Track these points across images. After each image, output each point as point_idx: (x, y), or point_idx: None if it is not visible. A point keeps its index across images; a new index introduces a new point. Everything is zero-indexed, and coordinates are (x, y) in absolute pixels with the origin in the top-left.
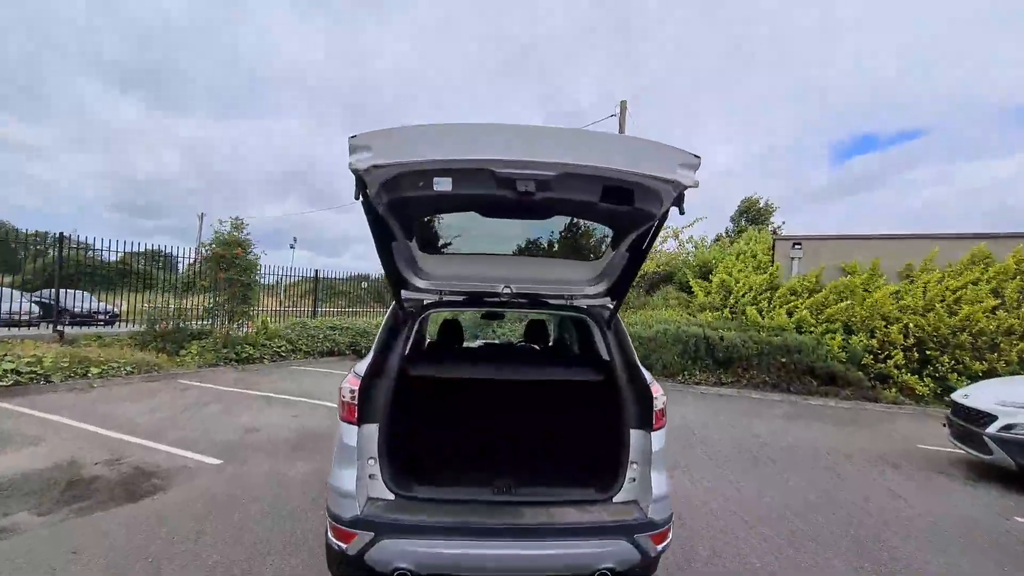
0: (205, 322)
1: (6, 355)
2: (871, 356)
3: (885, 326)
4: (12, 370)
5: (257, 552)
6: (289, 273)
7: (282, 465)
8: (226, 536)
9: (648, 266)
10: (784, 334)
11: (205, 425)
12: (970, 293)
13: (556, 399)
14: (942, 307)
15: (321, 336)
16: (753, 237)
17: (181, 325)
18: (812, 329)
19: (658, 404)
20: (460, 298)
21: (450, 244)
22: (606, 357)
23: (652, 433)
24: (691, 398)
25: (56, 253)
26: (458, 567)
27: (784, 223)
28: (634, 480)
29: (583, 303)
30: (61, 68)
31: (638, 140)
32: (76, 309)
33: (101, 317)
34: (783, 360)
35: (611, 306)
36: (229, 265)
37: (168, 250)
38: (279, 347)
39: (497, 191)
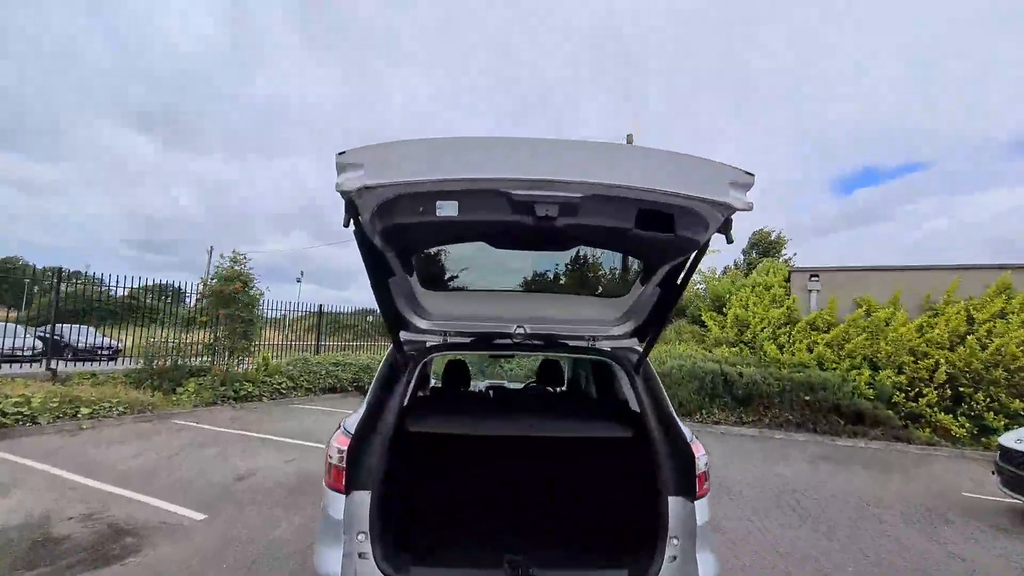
0: (204, 359)
1: None
2: (901, 394)
3: (914, 362)
4: None
5: None
6: (295, 307)
7: (272, 520)
8: None
9: None
10: (807, 371)
11: (194, 472)
12: (1000, 326)
13: (579, 458)
14: (973, 340)
15: (323, 372)
16: (769, 269)
17: (179, 362)
18: (835, 365)
19: (700, 466)
20: (467, 340)
21: (455, 279)
22: (635, 407)
23: (695, 502)
24: (711, 439)
25: (54, 288)
26: None
27: (796, 255)
28: (675, 559)
29: (606, 345)
30: (81, 109)
31: (681, 156)
32: (79, 344)
33: (103, 352)
34: (807, 398)
35: (639, 349)
36: (229, 301)
37: (176, 284)
38: (279, 384)
39: (512, 217)
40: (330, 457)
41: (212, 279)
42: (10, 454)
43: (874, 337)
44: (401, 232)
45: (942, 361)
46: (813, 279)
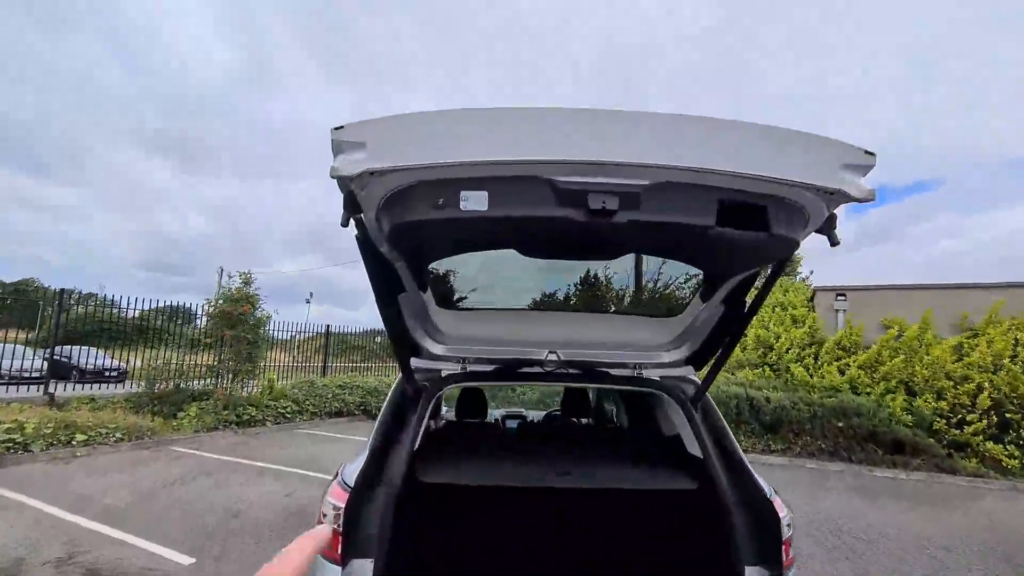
0: (207, 382)
1: None
2: (942, 420)
3: (953, 386)
4: None
5: None
6: (302, 328)
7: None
8: None
9: None
10: (839, 395)
11: (187, 507)
12: None
13: (631, 517)
14: (1010, 363)
15: (329, 396)
16: (789, 288)
17: (181, 386)
18: (869, 390)
19: (786, 528)
20: (489, 368)
21: (476, 295)
22: (691, 449)
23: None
24: None
25: (56, 309)
26: None
27: (812, 272)
28: None
29: (654, 374)
30: (98, 134)
31: (779, 130)
32: (86, 366)
33: (110, 374)
34: (840, 424)
35: (695, 379)
36: (236, 322)
37: (187, 305)
38: (284, 408)
39: (557, 211)
40: (323, 515)
41: (219, 300)
42: None
43: (908, 359)
44: (415, 232)
45: (986, 385)
46: (840, 298)
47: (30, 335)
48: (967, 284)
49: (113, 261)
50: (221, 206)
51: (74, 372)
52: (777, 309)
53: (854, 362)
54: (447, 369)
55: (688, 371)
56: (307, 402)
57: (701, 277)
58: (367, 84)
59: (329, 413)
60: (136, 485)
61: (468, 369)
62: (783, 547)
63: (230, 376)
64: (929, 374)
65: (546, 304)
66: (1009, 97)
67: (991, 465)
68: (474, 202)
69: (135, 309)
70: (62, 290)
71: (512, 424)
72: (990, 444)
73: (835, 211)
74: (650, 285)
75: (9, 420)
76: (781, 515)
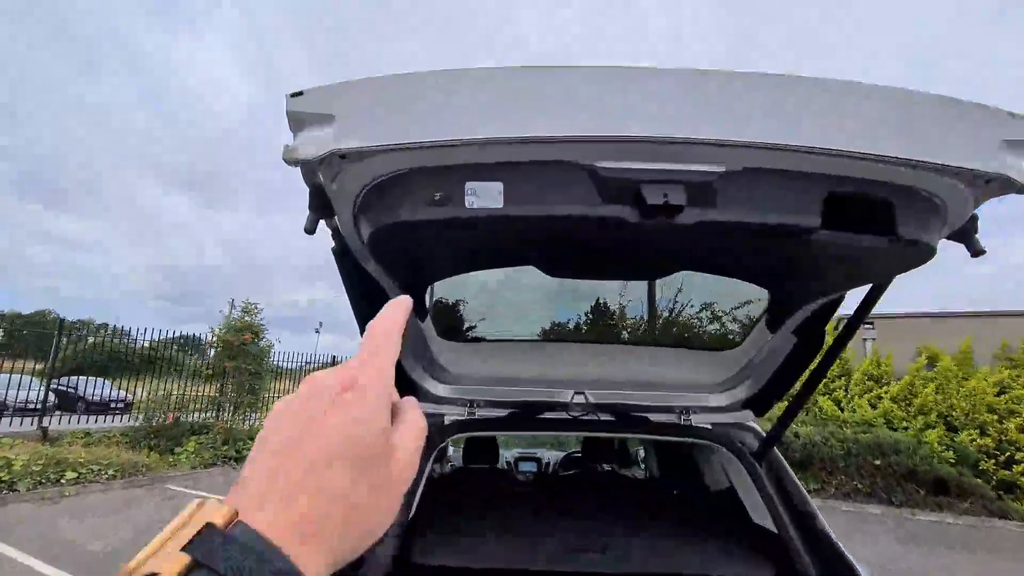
0: (208, 414)
1: None
2: (989, 459)
3: (998, 420)
4: None
5: None
6: (312, 359)
7: None
8: None
9: None
10: (874, 430)
11: None
12: None
13: None
14: None
15: None
16: None
17: (180, 419)
18: (905, 424)
19: None
20: (503, 413)
21: (484, 324)
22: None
23: None
24: None
25: (55, 341)
26: None
27: None
28: None
29: (704, 420)
30: (120, 169)
31: (914, 93)
32: (92, 396)
33: (116, 405)
34: (877, 462)
35: (755, 427)
36: (238, 352)
37: (197, 336)
38: None
39: (599, 209)
40: None
41: (221, 329)
42: None
43: (944, 391)
44: (404, 238)
45: None
46: (867, 326)
47: (42, 365)
48: (1004, 312)
49: (130, 292)
50: (238, 238)
51: (80, 403)
52: None
53: (886, 394)
54: (452, 414)
55: (746, 416)
56: None
57: (767, 299)
58: None
59: None
60: (121, 528)
61: (477, 415)
62: None
63: (231, 408)
64: (968, 407)
65: (570, 334)
66: (1009, 97)
67: None
68: (485, 196)
69: (145, 340)
70: (62, 320)
71: (527, 467)
72: None
73: (976, 210)
74: (698, 309)
75: None
76: None
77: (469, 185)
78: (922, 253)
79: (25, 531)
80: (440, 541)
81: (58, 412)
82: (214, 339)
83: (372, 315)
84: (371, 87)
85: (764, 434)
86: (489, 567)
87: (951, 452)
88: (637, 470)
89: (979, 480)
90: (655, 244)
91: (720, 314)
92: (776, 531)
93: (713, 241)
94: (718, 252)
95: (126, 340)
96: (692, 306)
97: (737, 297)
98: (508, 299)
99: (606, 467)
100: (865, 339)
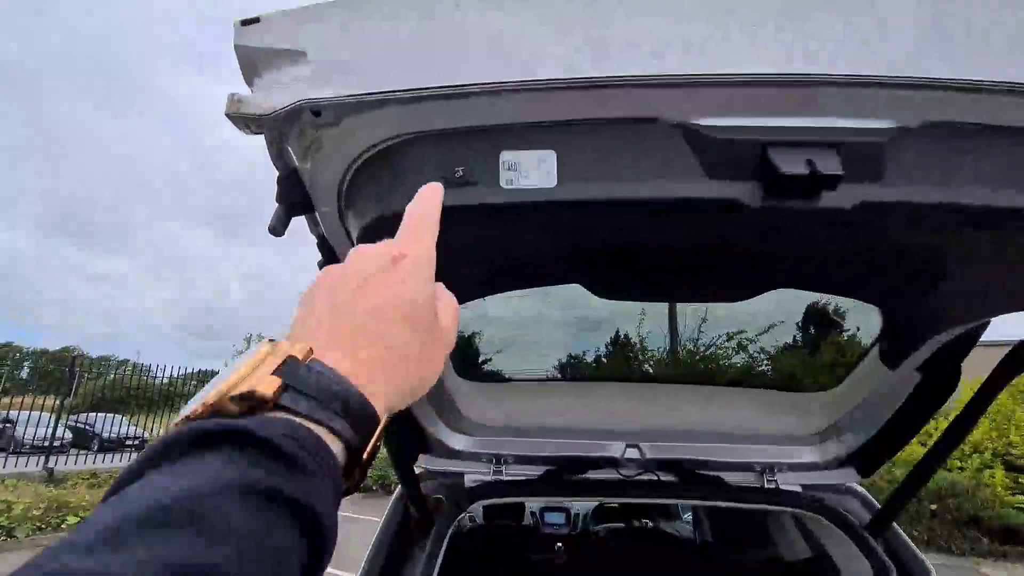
0: None
1: None
2: None
3: None
4: None
5: None
6: None
7: None
8: None
9: None
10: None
11: None
12: None
13: None
14: None
15: None
16: None
17: None
18: (960, 464)
19: None
20: (539, 471)
21: (512, 357)
22: None
23: None
24: None
25: (70, 378)
26: None
27: None
28: None
29: (792, 480)
30: (151, 207)
31: None
32: (108, 434)
33: (131, 443)
34: (933, 507)
35: (860, 490)
36: None
37: (217, 372)
38: None
39: (694, 189)
40: None
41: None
42: None
43: (999, 426)
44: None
45: None
46: None
47: (64, 402)
48: None
49: (154, 327)
50: (262, 273)
51: (95, 440)
52: None
53: (936, 430)
54: (474, 474)
55: (847, 476)
56: None
57: (882, 322)
58: None
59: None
60: None
61: (505, 475)
62: None
63: None
64: None
65: (620, 371)
66: None
67: None
68: (529, 172)
69: (165, 375)
70: (74, 357)
71: (553, 519)
72: None
73: None
74: (785, 338)
75: None
76: None
77: (506, 156)
78: None
79: None
80: None
81: (73, 450)
82: None
83: None
84: (361, 9)
85: (873, 500)
86: None
87: (1016, 496)
88: (681, 524)
89: None
90: (770, 244)
91: (812, 344)
92: None
93: (860, 237)
94: (853, 255)
95: (146, 376)
96: (777, 333)
97: (834, 320)
98: (543, 327)
99: (646, 522)
100: None
